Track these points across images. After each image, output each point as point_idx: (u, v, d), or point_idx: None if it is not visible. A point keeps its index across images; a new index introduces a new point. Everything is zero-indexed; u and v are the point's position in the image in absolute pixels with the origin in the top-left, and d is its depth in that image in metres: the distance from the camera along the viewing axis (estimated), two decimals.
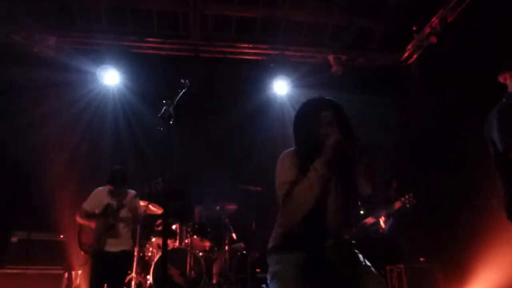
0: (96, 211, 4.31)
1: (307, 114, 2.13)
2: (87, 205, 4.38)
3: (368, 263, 2.06)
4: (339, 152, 1.93)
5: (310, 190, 1.91)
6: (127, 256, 4.35)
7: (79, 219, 4.33)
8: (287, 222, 2.08)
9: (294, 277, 1.93)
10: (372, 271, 2.00)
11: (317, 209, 1.95)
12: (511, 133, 2.69)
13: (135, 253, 5.14)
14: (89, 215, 4.30)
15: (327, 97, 2.19)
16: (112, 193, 4.37)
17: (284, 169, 2.06)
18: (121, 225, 4.27)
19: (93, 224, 4.22)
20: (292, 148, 2.16)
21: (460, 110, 5.63)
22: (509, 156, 2.67)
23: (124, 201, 4.30)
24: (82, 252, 4.29)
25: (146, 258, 5.42)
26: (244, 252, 6.09)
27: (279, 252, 2.07)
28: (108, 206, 4.28)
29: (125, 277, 4.45)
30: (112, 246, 4.16)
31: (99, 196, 4.41)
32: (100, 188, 4.49)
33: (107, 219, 4.20)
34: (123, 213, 4.30)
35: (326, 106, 2.11)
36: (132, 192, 4.48)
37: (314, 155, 1.97)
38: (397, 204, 5.30)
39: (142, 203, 5.49)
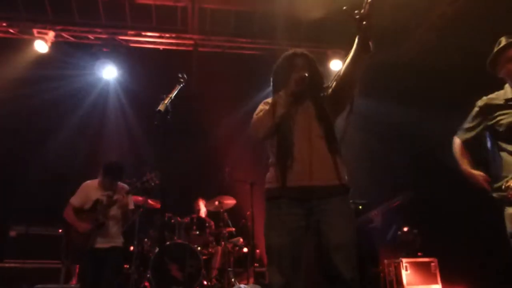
0: (85, 207, 4.05)
1: (282, 62, 2.42)
2: (75, 200, 4.09)
3: (345, 212, 2.11)
4: (303, 87, 2.22)
5: (273, 108, 2.22)
6: (117, 252, 4.07)
7: (66, 216, 4.05)
8: (255, 135, 2.31)
9: (276, 225, 2.09)
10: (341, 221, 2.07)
11: (289, 154, 2.15)
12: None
13: (134, 249, 5.16)
14: (77, 211, 4.04)
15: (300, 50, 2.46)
16: (103, 187, 4.10)
17: (258, 109, 2.40)
18: (111, 223, 4.02)
19: (80, 223, 3.95)
20: None
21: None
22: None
23: (115, 198, 4.02)
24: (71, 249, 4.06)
25: (145, 252, 5.44)
26: (243, 246, 6.11)
27: (269, 201, 2.21)
28: (97, 202, 4.01)
29: (117, 274, 4.16)
30: (102, 243, 3.95)
31: (88, 191, 4.13)
32: (88, 182, 4.21)
33: (97, 216, 3.94)
34: (114, 210, 4.04)
35: (299, 55, 2.39)
36: (124, 187, 4.21)
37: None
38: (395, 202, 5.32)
39: (139, 197, 5.50)
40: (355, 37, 2.13)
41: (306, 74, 2.23)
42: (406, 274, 5.42)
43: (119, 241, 4.11)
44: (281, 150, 2.20)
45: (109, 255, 3.95)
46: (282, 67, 2.40)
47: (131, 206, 4.33)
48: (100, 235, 3.95)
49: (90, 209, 4.02)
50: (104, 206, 3.98)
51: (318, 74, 2.40)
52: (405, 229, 5.92)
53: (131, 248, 5.17)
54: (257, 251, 6.18)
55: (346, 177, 2.18)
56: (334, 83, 2.33)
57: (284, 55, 2.45)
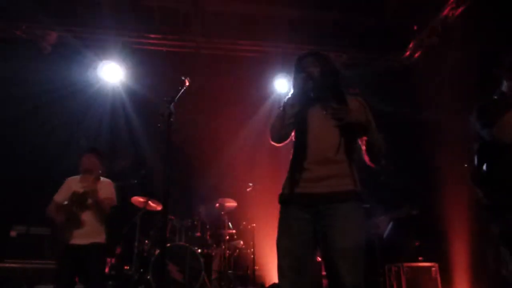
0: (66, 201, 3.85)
1: (295, 64, 2.46)
2: (58, 197, 3.90)
3: (350, 218, 2.07)
4: (312, 83, 2.25)
5: (284, 109, 2.26)
6: (98, 250, 3.74)
7: (48, 212, 3.83)
8: (271, 139, 2.34)
9: (284, 229, 2.15)
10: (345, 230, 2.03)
11: (301, 160, 2.17)
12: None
13: (135, 250, 5.16)
14: (58, 207, 3.82)
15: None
16: (82, 180, 3.89)
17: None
18: (87, 213, 3.75)
19: (57, 214, 3.76)
20: None
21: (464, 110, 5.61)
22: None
23: (91, 187, 3.77)
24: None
25: (145, 254, 5.43)
26: (243, 249, 6.11)
27: (281, 205, 2.24)
28: (73, 194, 3.79)
29: (98, 273, 3.78)
30: (80, 239, 3.66)
31: (70, 185, 3.93)
32: (71, 177, 4.03)
33: (71, 207, 3.72)
34: (90, 200, 3.77)
35: (312, 53, 2.45)
36: (106, 179, 4.04)
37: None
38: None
39: (141, 199, 5.51)
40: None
41: (313, 70, 2.28)
42: (406, 279, 5.40)
43: (99, 238, 3.80)
44: (295, 156, 2.25)
45: (87, 253, 3.65)
46: (295, 68, 2.44)
47: (106, 195, 3.91)
48: (77, 229, 3.69)
49: (67, 203, 3.81)
50: (78, 196, 3.75)
51: (330, 70, 2.37)
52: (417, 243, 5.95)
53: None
54: (257, 253, 6.17)
55: (357, 184, 2.16)
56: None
57: (300, 55, 2.50)
